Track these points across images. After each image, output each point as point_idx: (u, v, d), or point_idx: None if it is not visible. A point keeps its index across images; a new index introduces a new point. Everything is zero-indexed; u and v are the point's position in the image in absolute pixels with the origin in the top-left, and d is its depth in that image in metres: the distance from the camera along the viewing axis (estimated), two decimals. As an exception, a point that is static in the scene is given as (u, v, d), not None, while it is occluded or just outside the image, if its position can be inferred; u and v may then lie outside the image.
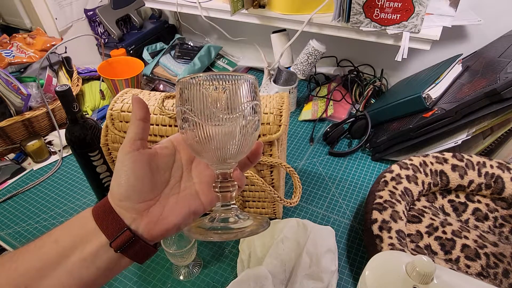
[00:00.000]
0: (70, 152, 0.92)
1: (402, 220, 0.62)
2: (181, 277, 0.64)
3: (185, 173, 0.35)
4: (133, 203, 0.31)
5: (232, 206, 0.33)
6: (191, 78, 0.29)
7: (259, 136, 0.58)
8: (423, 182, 0.69)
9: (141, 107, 0.33)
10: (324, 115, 1.00)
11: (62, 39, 1.03)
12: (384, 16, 0.82)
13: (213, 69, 1.24)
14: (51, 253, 0.29)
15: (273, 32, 1.04)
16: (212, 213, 0.34)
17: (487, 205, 0.69)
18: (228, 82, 0.29)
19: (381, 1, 0.80)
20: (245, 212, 0.35)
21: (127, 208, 0.31)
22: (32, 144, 0.88)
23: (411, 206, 0.69)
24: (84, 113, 0.86)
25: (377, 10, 0.82)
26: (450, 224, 0.65)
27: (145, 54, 1.23)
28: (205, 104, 0.29)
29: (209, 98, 0.29)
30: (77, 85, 1.03)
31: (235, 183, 0.33)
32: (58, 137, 0.93)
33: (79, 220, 0.32)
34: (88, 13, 1.21)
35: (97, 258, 0.30)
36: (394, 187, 0.66)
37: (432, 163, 0.71)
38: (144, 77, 1.19)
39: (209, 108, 0.29)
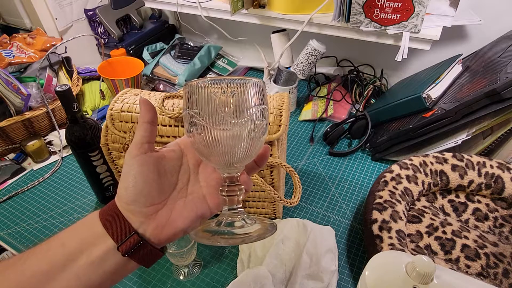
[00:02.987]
0: (70, 152, 0.92)
1: (402, 220, 0.62)
2: (181, 277, 0.64)
3: (192, 177, 0.35)
4: (140, 207, 0.30)
5: (239, 209, 0.33)
6: (199, 81, 0.29)
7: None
8: (423, 182, 0.69)
9: (149, 109, 0.32)
10: (324, 115, 1.00)
11: (62, 39, 1.03)
12: (384, 16, 0.82)
13: (213, 69, 1.24)
14: (58, 256, 0.29)
15: (273, 32, 1.04)
16: (219, 216, 0.33)
17: (487, 205, 0.70)
18: (236, 86, 0.29)
19: (381, 1, 0.80)
20: (252, 215, 0.35)
21: (134, 212, 0.30)
22: (32, 144, 0.88)
23: (411, 206, 0.69)
24: (84, 113, 0.86)
25: (377, 10, 0.82)
26: (450, 224, 0.65)
27: (145, 54, 1.23)
28: (213, 108, 0.29)
29: (217, 102, 0.29)
30: (77, 85, 1.03)
31: (242, 186, 0.33)
32: (58, 137, 0.93)
33: (86, 223, 0.31)
34: (88, 13, 1.20)
35: (105, 262, 0.30)
36: (394, 187, 0.66)
37: (432, 163, 0.71)
38: (144, 77, 1.19)
39: (217, 112, 0.29)
